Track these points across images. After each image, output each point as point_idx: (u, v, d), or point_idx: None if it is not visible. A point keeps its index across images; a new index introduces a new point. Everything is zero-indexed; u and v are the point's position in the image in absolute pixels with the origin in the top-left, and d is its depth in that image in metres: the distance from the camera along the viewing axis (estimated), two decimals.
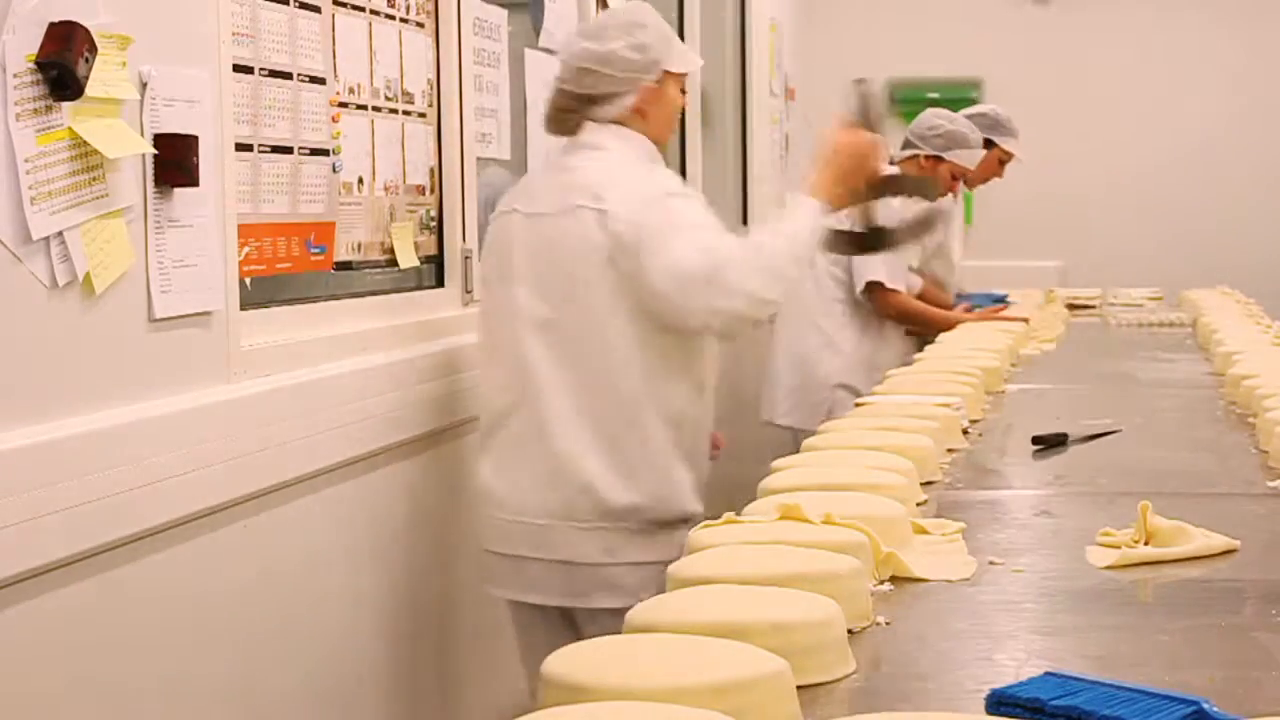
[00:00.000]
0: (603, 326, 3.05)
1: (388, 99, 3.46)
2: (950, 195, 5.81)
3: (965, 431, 3.29)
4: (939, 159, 5.40)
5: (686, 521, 3.03)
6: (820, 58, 8.25)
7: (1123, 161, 8.46)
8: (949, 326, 5.24)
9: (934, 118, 5.46)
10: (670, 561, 2.02)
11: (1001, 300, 5.99)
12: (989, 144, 5.79)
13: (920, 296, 5.48)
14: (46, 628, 2.17)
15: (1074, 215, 8.39)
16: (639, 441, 3.08)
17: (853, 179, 3.14)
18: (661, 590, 1.88)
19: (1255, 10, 8.54)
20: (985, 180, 5.97)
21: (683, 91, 3.30)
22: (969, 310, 5.64)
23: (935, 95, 8.20)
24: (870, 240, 3.36)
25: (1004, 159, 5.88)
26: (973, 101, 7.86)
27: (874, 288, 5.24)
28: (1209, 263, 7.86)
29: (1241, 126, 8.45)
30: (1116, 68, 8.54)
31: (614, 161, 3.15)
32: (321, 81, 3.15)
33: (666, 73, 3.21)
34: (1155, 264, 7.92)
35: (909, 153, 5.44)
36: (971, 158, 5.45)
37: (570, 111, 3.22)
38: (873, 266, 5.21)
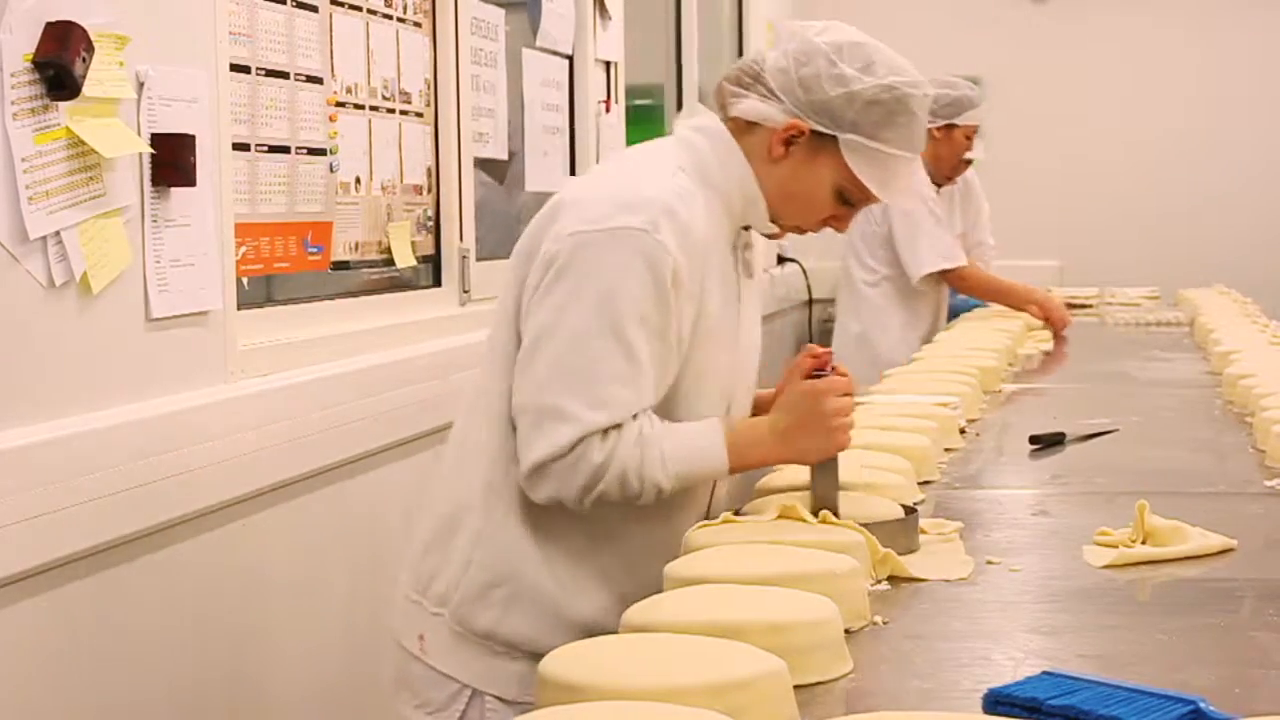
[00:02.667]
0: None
1: (385, 99, 3.46)
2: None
3: (963, 431, 3.29)
4: (951, 126, 5.36)
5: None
6: None
7: (1120, 161, 8.45)
8: (1022, 299, 5.47)
9: (936, 86, 5.40)
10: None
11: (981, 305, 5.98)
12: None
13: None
14: (44, 627, 2.17)
15: (1071, 215, 8.38)
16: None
17: (816, 438, 2.19)
18: None
19: (1253, 9, 8.54)
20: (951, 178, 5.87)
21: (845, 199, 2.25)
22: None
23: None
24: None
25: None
26: None
27: (941, 273, 5.43)
28: (1206, 262, 7.86)
29: (1239, 126, 8.45)
30: (1114, 67, 8.54)
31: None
32: (319, 81, 3.15)
33: (835, 141, 2.20)
34: (1152, 263, 7.91)
35: None
36: (979, 115, 5.42)
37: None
38: (925, 258, 5.33)
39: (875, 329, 5.53)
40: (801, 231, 2.31)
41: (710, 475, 2.19)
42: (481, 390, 2.25)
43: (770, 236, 2.34)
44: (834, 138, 2.18)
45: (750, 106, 2.21)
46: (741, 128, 2.24)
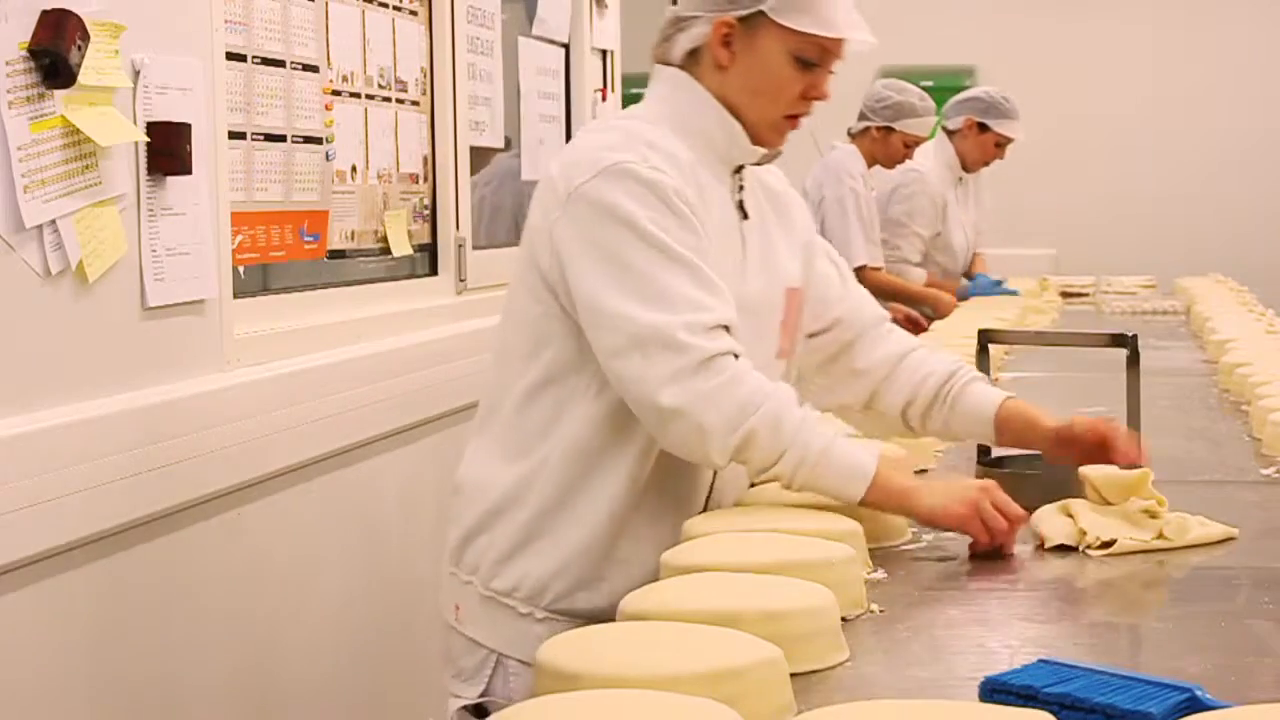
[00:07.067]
0: None
1: (381, 87, 3.46)
2: (959, 179, 5.88)
3: None
4: (890, 129, 5.51)
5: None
6: None
7: (1117, 149, 8.46)
8: (925, 300, 5.51)
9: (883, 89, 5.57)
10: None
11: (999, 285, 5.99)
12: (984, 128, 5.80)
13: (927, 285, 5.69)
14: (42, 615, 2.17)
15: (1067, 203, 8.39)
16: None
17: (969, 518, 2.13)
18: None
19: (1250, 1, 8.54)
20: (986, 163, 5.96)
21: (804, 64, 2.22)
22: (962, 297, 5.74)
23: (928, 83, 8.17)
24: None
25: (1000, 142, 5.87)
26: (966, 89, 7.86)
27: (859, 269, 5.38)
28: (1202, 250, 7.86)
29: (1234, 114, 8.45)
30: (1111, 55, 8.54)
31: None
32: (315, 69, 3.15)
33: (764, 15, 2.19)
34: (1149, 252, 7.91)
35: (863, 125, 5.57)
36: (922, 125, 5.55)
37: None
38: (857, 251, 5.37)
39: None
40: (795, 123, 2.28)
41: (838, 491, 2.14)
42: (501, 361, 2.25)
43: (765, 160, 2.32)
44: (761, 13, 2.19)
45: (681, 41, 2.25)
46: (690, 65, 2.26)
